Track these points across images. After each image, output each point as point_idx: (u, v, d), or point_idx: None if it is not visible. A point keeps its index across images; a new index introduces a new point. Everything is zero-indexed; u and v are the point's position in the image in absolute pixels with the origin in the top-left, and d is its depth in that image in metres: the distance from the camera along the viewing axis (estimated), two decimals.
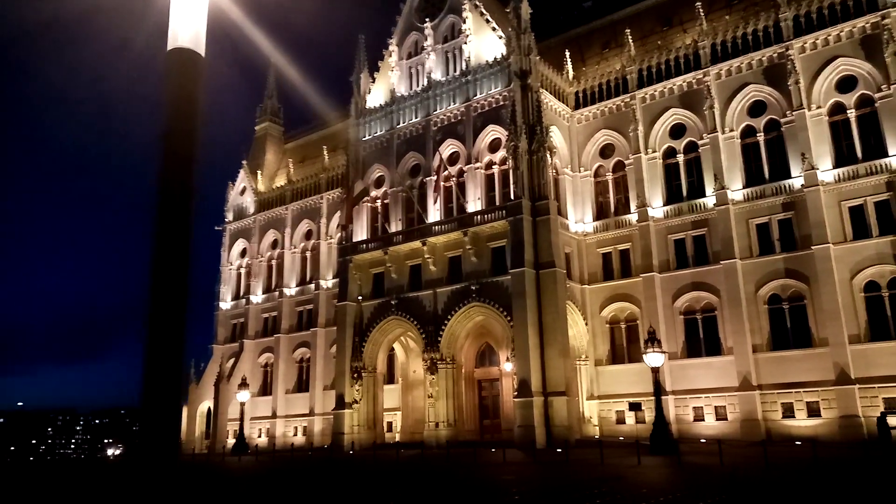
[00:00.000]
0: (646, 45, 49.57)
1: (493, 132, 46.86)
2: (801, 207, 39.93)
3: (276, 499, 19.58)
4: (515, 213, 42.63)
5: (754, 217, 41.82)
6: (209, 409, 65.82)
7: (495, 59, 47.52)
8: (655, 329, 42.71)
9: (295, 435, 59.73)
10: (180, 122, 4.56)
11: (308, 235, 64.61)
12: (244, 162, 72.50)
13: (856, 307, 37.59)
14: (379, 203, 52.09)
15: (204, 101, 4.77)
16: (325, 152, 64.70)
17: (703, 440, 38.76)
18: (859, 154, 39.31)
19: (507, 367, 47.47)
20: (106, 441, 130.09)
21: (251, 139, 76.73)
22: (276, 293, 64.48)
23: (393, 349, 52.34)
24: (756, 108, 43.28)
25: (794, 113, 41.04)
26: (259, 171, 71.15)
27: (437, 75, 50.90)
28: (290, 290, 63.92)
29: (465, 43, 49.55)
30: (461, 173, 47.81)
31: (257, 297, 66.24)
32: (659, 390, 34.10)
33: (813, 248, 38.83)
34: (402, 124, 51.92)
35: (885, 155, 38.07)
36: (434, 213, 48.15)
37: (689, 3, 48.69)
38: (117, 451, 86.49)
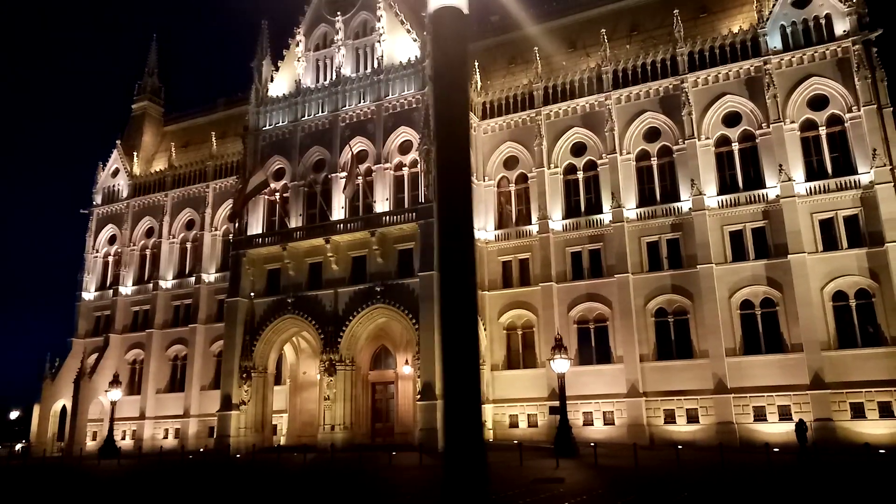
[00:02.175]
0: (551, 64, 51.53)
1: (405, 134, 46.71)
2: (689, 229, 43.22)
3: None
4: (426, 217, 42.71)
5: (646, 235, 44.70)
6: (63, 408, 60.00)
7: (409, 60, 47.45)
8: (552, 337, 44.55)
9: (165, 438, 55.83)
10: (452, 80, 4.25)
11: (190, 225, 60.82)
12: (118, 142, 67.01)
13: (733, 323, 41.24)
14: (278, 196, 50.14)
15: (467, 58, 4.52)
16: (214, 139, 61.30)
17: (592, 444, 40.67)
18: (741, 184, 43.27)
19: (406, 369, 47.42)
20: None
21: (126, 117, 71.12)
22: (150, 285, 60.04)
23: (282, 349, 50.49)
24: (651, 134, 46.36)
25: (685, 141, 44.41)
26: (135, 153, 66.08)
27: (347, 71, 49.98)
28: (167, 282, 59.80)
29: (379, 41, 49.07)
30: (369, 172, 47.19)
31: (127, 288, 61.36)
32: (564, 395, 35.46)
33: (698, 267, 42.14)
34: (307, 117, 50.41)
35: (763, 186, 42.19)
36: (339, 210, 47.13)
37: (592, 29, 51.36)
38: None
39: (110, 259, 63.94)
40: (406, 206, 45.61)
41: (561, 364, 35.21)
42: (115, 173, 65.61)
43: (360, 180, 46.29)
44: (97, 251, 64.11)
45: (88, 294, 62.93)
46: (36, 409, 59.83)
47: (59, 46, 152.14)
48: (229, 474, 29.90)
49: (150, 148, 68.84)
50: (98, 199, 65.50)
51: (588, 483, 20.24)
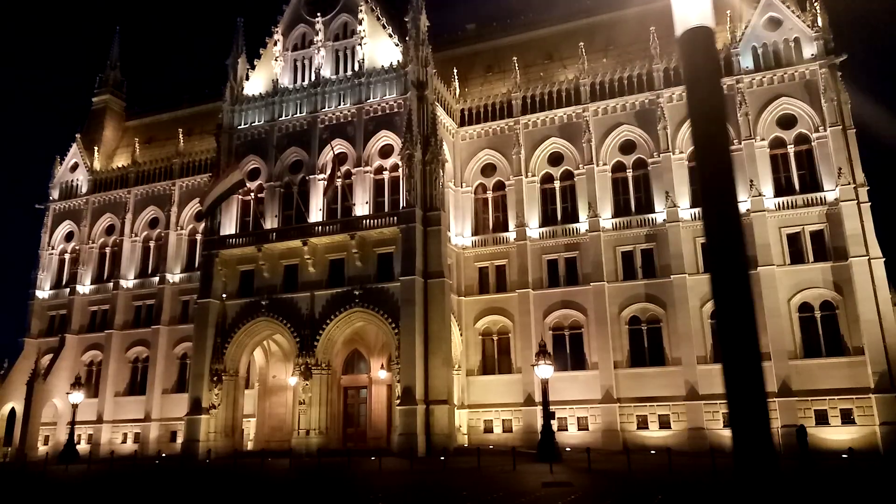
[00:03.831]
0: (528, 74, 52.25)
1: (386, 138, 46.62)
2: (662, 240, 44.46)
3: None
4: (408, 221, 42.70)
5: (621, 245, 45.76)
6: (12, 411, 57.41)
7: (391, 65, 47.41)
8: (528, 343, 45.24)
9: (124, 442, 54.02)
10: (707, 101, 4.50)
11: (153, 224, 59.18)
12: (78, 135, 64.71)
13: (704, 331, 42.58)
14: (252, 197, 49.27)
15: (720, 75, 4.73)
16: (181, 136, 59.84)
17: (567, 448, 41.35)
18: None
19: (381, 374, 47.23)
20: None
21: (87, 111, 68.72)
22: (110, 285, 58.09)
23: (253, 352, 49.52)
24: (627, 147, 47.51)
25: (660, 155, 45.70)
26: (96, 148, 63.92)
27: (327, 72, 49.59)
28: (128, 282, 57.96)
29: (360, 44, 48.89)
30: (348, 175, 46.87)
31: (85, 287, 59.21)
32: (547, 401, 35.93)
33: (671, 277, 43.37)
34: (284, 117, 49.77)
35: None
36: (316, 212, 46.66)
37: (569, 41, 52.39)
38: None
39: (67, 256, 61.62)
40: (386, 209, 45.47)
41: (544, 370, 35.67)
42: (74, 168, 63.30)
43: (339, 182, 45.93)
44: (53, 248, 61.67)
45: (43, 292, 60.44)
46: None
47: (14, 33, 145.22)
48: (218, 481, 29.18)
49: (112, 143, 66.69)
50: (55, 193, 63.05)
51: (597, 487, 20.65)
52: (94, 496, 24.31)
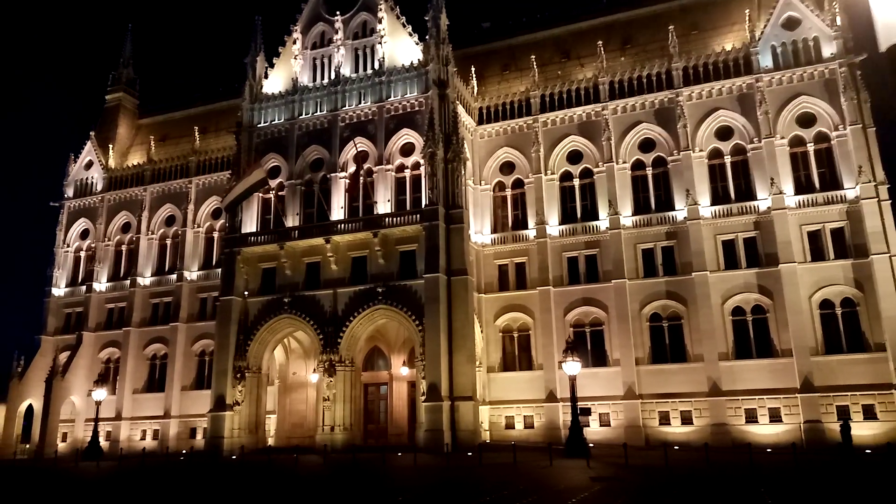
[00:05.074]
0: (545, 72, 52.51)
1: (407, 136, 46.86)
2: (683, 237, 44.76)
3: None
4: (431, 219, 42.97)
5: (642, 242, 46.06)
6: (30, 408, 57.62)
7: (412, 63, 47.62)
8: (549, 340, 45.62)
9: (143, 439, 54.24)
10: None
11: (170, 221, 59.31)
12: (92, 133, 64.77)
13: (725, 328, 42.94)
14: (273, 195, 49.44)
15: None
16: (197, 134, 59.92)
17: (591, 444, 41.57)
18: (732, 195, 45.11)
19: (403, 371, 47.56)
20: None
21: (100, 109, 68.76)
22: (127, 282, 58.25)
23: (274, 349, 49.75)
24: (646, 145, 47.78)
25: (680, 153, 45.99)
26: (110, 146, 64.01)
27: (347, 71, 49.78)
28: (145, 279, 58.15)
29: (380, 43, 49.08)
30: (370, 173, 47.09)
31: (101, 284, 59.34)
32: (575, 397, 36.23)
33: (693, 274, 43.67)
34: (304, 115, 49.96)
35: (754, 198, 44.12)
36: (338, 210, 46.89)
37: (586, 39, 52.73)
38: None
39: (83, 254, 61.77)
40: (408, 207, 45.74)
41: (572, 366, 36.01)
42: (89, 166, 63.38)
43: (360, 180, 46.14)
44: (68, 246, 61.81)
45: (58, 290, 60.57)
46: (1, 410, 57.12)
47: (27, 31, 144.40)
48: (260, 476, 29.38)
49: (125, 141, 66.77)
50: (69, 191, 63.17)
51: (645, 482, 20.96)
52: (146, 493, 24.50)
